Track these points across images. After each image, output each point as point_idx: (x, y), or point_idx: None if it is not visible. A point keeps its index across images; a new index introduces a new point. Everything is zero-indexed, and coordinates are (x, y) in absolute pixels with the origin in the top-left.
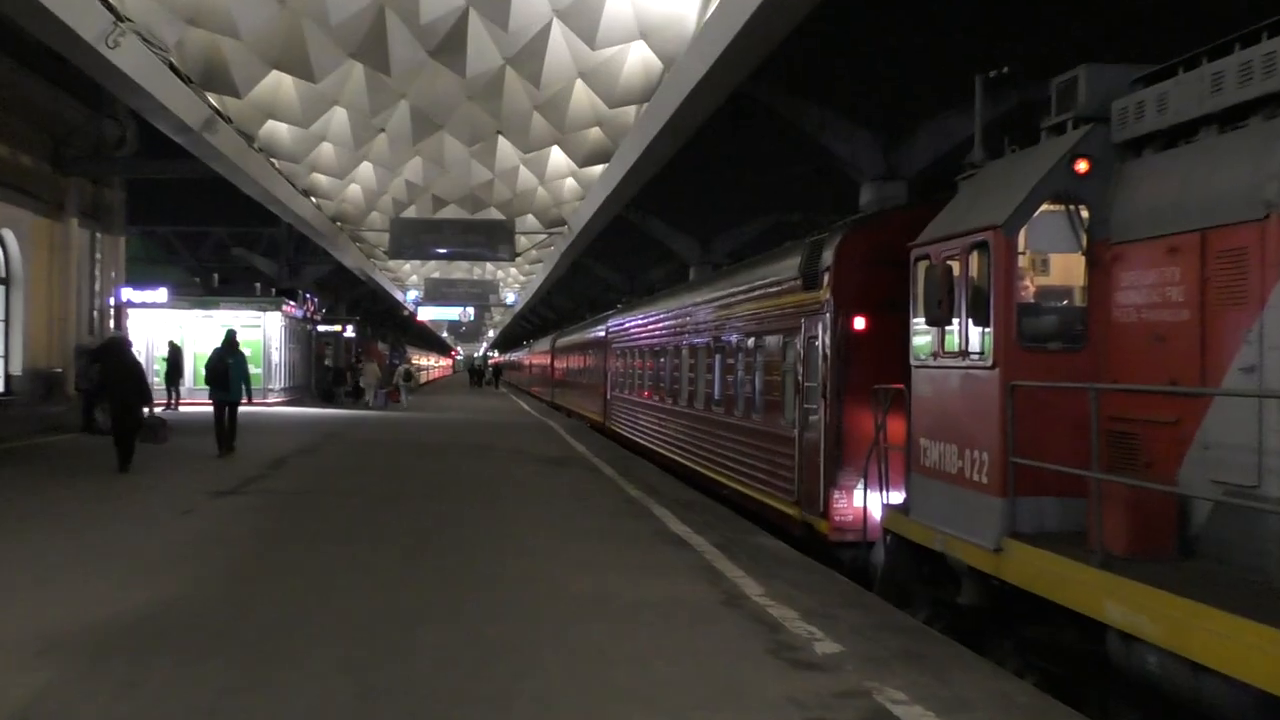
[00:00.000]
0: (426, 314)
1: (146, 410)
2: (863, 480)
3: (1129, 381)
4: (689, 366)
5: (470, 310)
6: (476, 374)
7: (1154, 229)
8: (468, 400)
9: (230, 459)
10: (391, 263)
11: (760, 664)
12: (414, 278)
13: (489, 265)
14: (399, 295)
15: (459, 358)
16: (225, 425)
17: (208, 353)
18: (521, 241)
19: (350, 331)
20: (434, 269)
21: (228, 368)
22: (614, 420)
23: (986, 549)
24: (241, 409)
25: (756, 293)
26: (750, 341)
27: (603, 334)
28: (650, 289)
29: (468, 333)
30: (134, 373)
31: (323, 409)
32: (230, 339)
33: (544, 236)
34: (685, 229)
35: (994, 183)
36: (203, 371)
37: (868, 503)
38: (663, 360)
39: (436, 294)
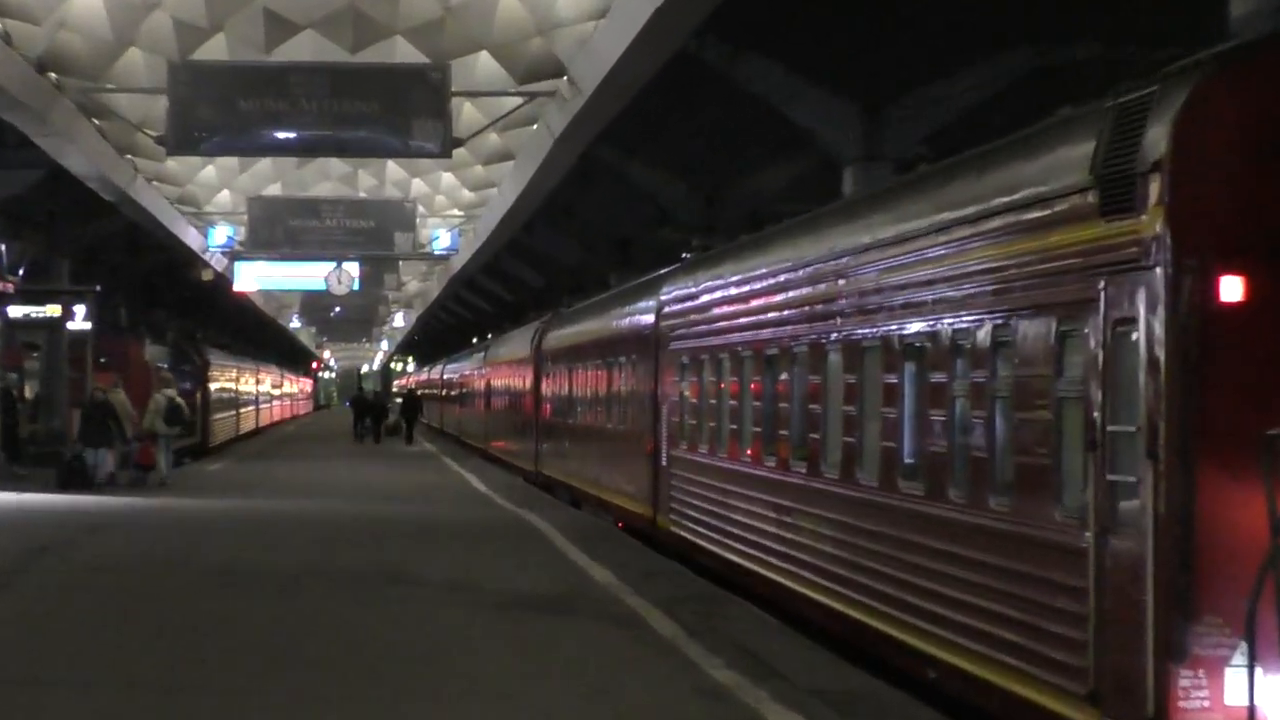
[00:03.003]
0: (255, 278)
1: None
2: (1245, 642)
3: None
4: (842, 392)
5: (350, 270)
6: (368, 413)
7: None
8: (347, 470)
9: None
10: (174, 164)
11: None
12: (224, 196)
13: (392, 168)
14: (192, 238)
15: (329, 376)
16: None
17: None
18: (467, 116)
19: (82, 318)
20: (268, 176)
21: None
22: (675, 512)
23: None
24: None
25: (991, 225)
26: (981, 334)
27: (649, 319)
28: (755, 219)
29: (346, 321)
30: None
31: (24, 494)
32: None
33: (518, 103)
34: (830, 84)
35: None
36: None
37: (1256, 696)
38: (782, 377)
39: (276, 235)
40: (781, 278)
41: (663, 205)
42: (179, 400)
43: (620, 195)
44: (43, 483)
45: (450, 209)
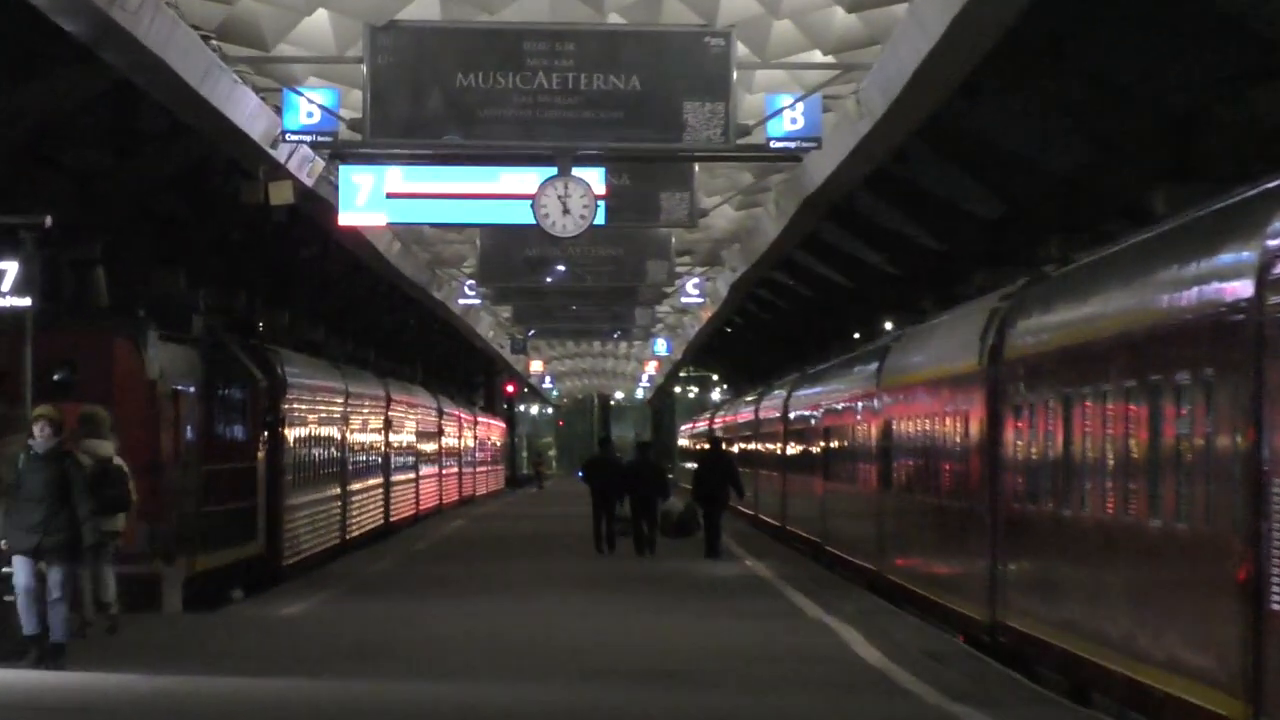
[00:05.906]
0: (383, 201)
1: None
2: None
3: None
4: None
5: (588, 181)
6: (624, 492)
7: None
8: (577, 618)
9: None
10: None
11: None
12: (316, 24)
13: None
14: (248, 113)
15: (539, 413)
16: None
17: None
18: None
19: (11, 285)
20: None
21: None
22: None
23: None
24: None
25: None
26: None
27: (1238, 290)
28: None
29: (576, 297)
30: None
31: None
32: None
33: None
34: None
35: None
36: None
37: None
38: None
39: (428, 107)
40: None
41: (1267, 37)
42: (118, 462)
43: (1167, 21)
44: None
45: (802, 52)
